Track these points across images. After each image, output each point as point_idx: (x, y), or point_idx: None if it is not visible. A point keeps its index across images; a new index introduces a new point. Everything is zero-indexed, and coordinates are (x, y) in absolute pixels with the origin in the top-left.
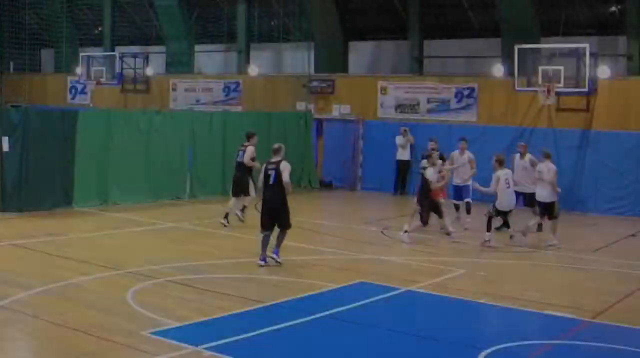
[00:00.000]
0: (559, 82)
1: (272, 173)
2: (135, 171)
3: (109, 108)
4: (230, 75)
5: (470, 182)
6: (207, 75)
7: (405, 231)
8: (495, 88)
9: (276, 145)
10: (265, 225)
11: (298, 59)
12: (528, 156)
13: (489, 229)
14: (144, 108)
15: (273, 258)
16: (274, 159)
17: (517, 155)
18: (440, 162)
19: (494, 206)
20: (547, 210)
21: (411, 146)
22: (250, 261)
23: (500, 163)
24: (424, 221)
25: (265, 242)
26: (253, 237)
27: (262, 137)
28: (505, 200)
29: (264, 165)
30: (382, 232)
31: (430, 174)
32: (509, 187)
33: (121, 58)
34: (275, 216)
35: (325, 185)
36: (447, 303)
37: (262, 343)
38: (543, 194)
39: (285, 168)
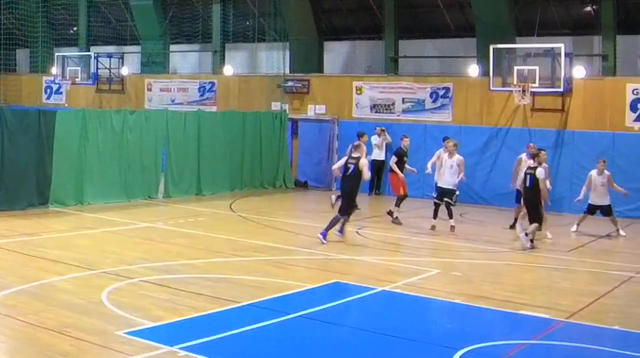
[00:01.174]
0: (534, 82)
1: (351, 166)
2: (110, 171)
3: (85, 108)
4: (205, 75)
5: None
6: (182, 75)
7: (526, 234)
8: (470, 88)
9: (356, 143)
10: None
11: (273, 59)
12: (606, 172)
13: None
14: (119, 108)
15: (337, 235)
16: (354, 154)
17: (595, 172)
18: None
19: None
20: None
21: (387, 146)
22: (225, 261)
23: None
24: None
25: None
26: (229, 237)
27: (237, 137)
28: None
29: (345, 158)
30: (357, 232)
31: (541, 173)
32: None
33: (96, 58)
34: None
35: (301, 185)
36: (422, 303)
37: (237, 343)
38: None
39: (365, 165)
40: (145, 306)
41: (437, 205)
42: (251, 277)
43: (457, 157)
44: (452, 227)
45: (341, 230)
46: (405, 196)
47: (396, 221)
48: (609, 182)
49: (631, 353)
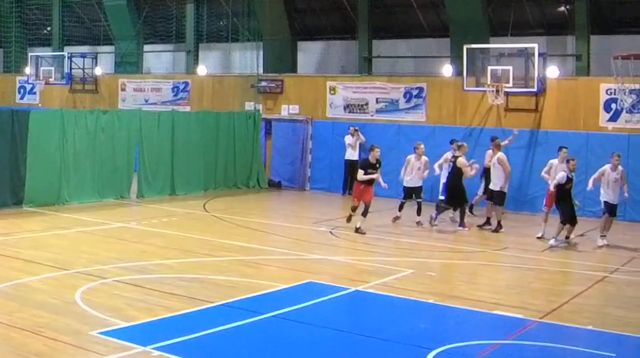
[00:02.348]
0: (508, 82)
1: (452, 164)
2: (84, 171)
3: (59, 108)
4: (179, 75)
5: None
6: (155, 75)
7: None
8: (444, 88)
9: (459, 143)
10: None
11: (247, 59)
12: (620, 168)
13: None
14: (93, 108)
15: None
16: (456, 154)
17: (608, 167)
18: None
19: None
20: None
21: (361, 146)
22: (199, 261)
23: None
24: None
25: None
26: (202, 237)
27: (211, 137)
28: None
29: (449, 154)
30: (330, 232)
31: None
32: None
33: (70, 58)
34: (451, 195)
35: (274, 185)
36: (396, 303)
37: (211, 343)
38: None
39: (462, 164)
40: (119, 306)
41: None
42: (225, 277)
43: (425, 159)
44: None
45: (462, 224)
46: (355, 207)
47: (359, 231)
48: (622, 179)
49: (604, 353)
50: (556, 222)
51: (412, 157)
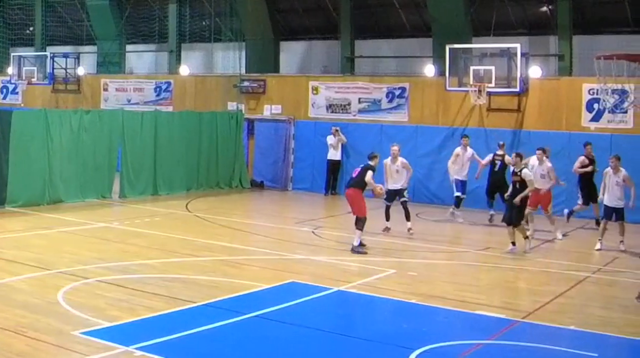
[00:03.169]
0: (490, 82)
1: (498, 163)
2: (67, 171)
3: (41, 108)
4: (161, 75)
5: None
6: (138, 75)
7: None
8: (426, 88)
9: (501, 142)
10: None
11: (229, 59)
12: (623, 171)
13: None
14: (76, 108)
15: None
16: (499, 152)
17: (610, 170)
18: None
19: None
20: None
21: (342, 146)
22: (181, 261)
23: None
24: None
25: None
26: (185, 237)
27: (193, 137)
28: None
29: (492, 155)
30: (313, 232)
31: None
32: None
33: (52, 58)
34: (496, 191)
35: (257, 186)
36: (378, 303)
37: (193, 343)
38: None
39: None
40: (101, 306)
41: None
42: (207, 277)
43: (401, 160)
44: (409, 230)
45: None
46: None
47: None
48: (626, 182)
49: (587, 353)
50: (542, 222)
51: (387, 161)
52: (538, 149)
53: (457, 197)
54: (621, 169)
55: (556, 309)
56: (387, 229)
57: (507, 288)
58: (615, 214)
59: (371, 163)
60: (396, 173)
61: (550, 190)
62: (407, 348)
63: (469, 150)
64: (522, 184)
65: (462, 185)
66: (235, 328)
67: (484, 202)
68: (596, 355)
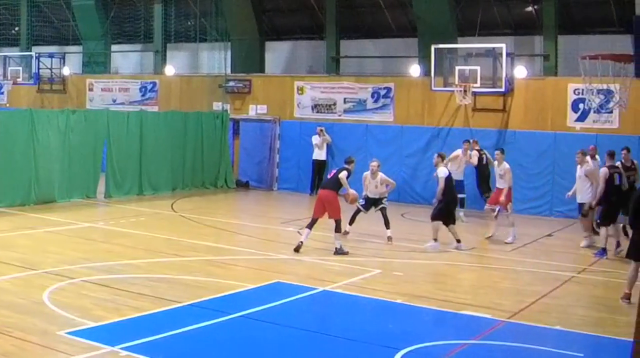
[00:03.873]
0: (476, 82)
1: (617, 176)
2: (52, 171)
3: (26, 108)
4: (146, 75)
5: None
6: (123, 75)
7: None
8: (411, 88)
9: (610, 151)
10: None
11: (214, 59)
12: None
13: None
14: (61, 108)
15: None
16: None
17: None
18: None
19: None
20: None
21: (328, 146)
22: (167, 261)
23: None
24: None
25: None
26: (170, 237)
27: (179, 137)
28: None
29: (607, 169)
30: (298, 232)
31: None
32: None
33: (38, 58)
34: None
35: (242, 185)
36: (364, 304)
37: (179, 343)
38: None
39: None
40: (86, 306)
41: (358, 212)
42: (192, 277)
43: (381, 176)
44: (389, 238)
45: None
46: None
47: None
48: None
49: (572, 353)
50: (526, 223)
51: (367, 175)
52: (497, 150)
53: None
54: (588, 161)
55: (541, 309)
56: (346, 233)
57: (493, 288)
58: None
59: (348, 167)
60: (375, 188)
61: (510, 189)
62: (393, 348)
63: (469, 154)
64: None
65: (459, 185)
66: (221, 328)
67: (468, 202)
68: (582, 355)
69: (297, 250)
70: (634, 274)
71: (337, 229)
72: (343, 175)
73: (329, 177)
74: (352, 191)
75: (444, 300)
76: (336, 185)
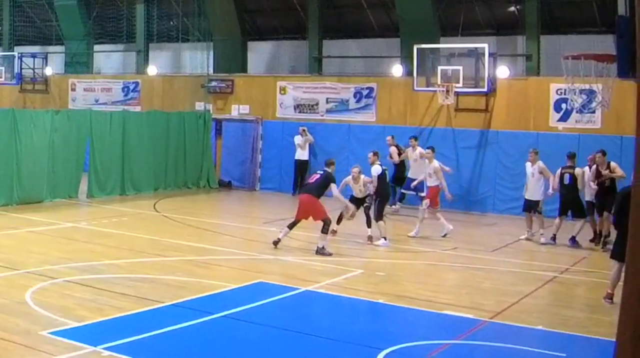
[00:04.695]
0: (458, 82)
1: (567, 176)
2: (35, 171)
3: (9, 108)
4: (129, 75)
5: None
6: (106, 75)
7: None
8: (394, 88)
9: (570, 153)
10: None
11: (197, 59)
12: (539, 163)
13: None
14: (43, 108)
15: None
16: (569, 164)
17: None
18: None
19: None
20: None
21: (310, 146)
22: (149, 261)
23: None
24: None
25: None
26: (153, 237)
27: (161, 137)
28: None
29: (560, 169)
30: (280, 232)
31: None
32: None
33: (20, 58)
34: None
35: (225, 185)
36: (346, 303)
37: (161, 343)
38: None
39: (578, 173)
40: (69, 306)
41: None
42: (175, 277)
43: (363, 179)
44: (370, 237)
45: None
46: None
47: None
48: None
49: (554, 353)
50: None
51: (349, 180)
52: (428, 148)
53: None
54: (539, 161)
55: (524, 309)
56: (334, 232)
57: (475, 288)
58: (531, 206)
59: (329, 170)
60: (359, 191)
61: (439, 187)
62: (375, 348)
63: (418, 150)
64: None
65: (410, 182)
66: (203, 328)
67: (450, 202)
68: (564, 355)
69: (275, 244)
70: (617, 275)
71: (324, 230)
72: (337, 193)
73: (310, 181)
74: (351, 205)
75: (426, 300)
76: (320, 191)
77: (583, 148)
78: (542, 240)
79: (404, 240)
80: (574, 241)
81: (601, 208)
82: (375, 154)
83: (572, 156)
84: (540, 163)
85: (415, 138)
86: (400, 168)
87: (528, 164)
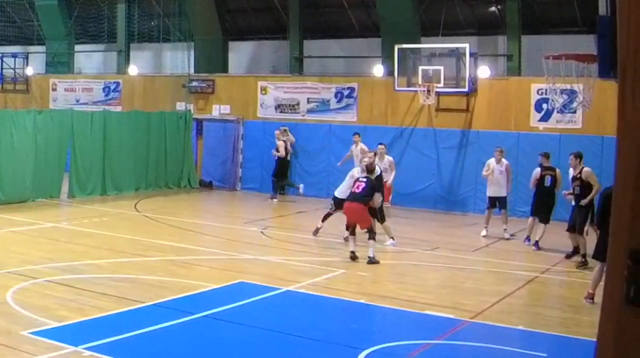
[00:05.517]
0: (439, 82)
1: (548, 178)
2: (17, 171)
3: None
4: (110, 75)
5: None
6: (87, 75)
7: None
8: (375, 88)
9: (545, 153)
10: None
11: (178, 59)
12: (504, 161)
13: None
14: (24, 108)
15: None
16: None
17: (494, 160)
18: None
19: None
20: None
21: (292, 146)
22: (130, 261)
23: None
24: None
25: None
26: (134, 237)
27: (142, 137)
28: None
29: (540, 170)
30: (262, 232)
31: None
32: None
33: (1, 58)
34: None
35: (205, 186)
36: (327, 304)
37: (142, 343)
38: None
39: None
40: (50, 306)
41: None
42: (156, 277)
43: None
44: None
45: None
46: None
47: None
48: (507, 172)
49: (535, 353)
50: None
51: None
52: (380, 144)
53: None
54: (503, 159)
55: (505, 309)
56: (317, 230)
57: (456, 288)
58: (498, 203)
59: (372, 177)
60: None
61: (391, 182)
62: (356, 348)
63: (360, 146)
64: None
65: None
66: (184, 328)
67: (431, 202)
68: (545, 355)
69: (353, 258)
70: (599, 275)
71: (371, 236)
72: (379, 200)
73: (357, 191)
74: (378, 194)
75: (408, 300)
76: (366, 199)
77: (564, 148)
78: (506, 235)
79: (385, 240)
80: (537, 245)
81: (572, 224)
82: (375, 154)
83: (547, 155)
84: (505, 161)
85: (358, 134)
86: (285, 163)
87: (492, 161)
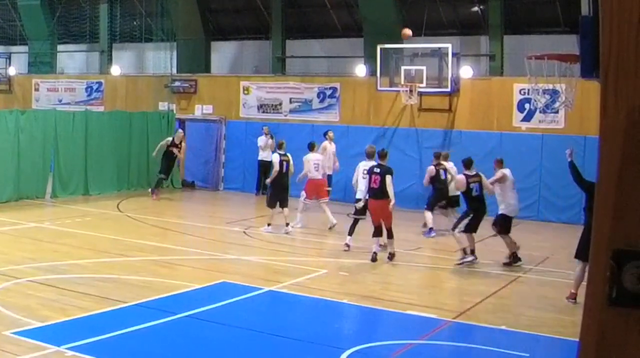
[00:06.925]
0: (422, 82)
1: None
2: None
3: None
4: (92, 76)
5: None
6: (69, 75)
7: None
8: (357, 88)
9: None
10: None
11: (160, 59)
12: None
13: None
14: (7, 108)
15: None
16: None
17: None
18: None
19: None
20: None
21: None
22: (113, 261)
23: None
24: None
25: None
26: (116, 237)
27: (124, 137)
28: None
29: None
30: (244, 232)
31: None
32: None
33: None
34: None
35: (188, 186)
36: (309, 304)
37: (125, 343)
38: None
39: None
40: (32, 306)
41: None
42: (138, 277)
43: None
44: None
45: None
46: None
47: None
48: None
49: (518, 353)
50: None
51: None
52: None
53: None
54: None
55: (487, 309)
56: (348, 247)
57: (438, 288)
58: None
59: (383, 163)
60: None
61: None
62: (338, 348)
63: (333, 145)
64: None
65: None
66: (167, 328)
67: (413, 202)
68: (527, 355)
69: (373, 260)
70: (581, 274)
71: (390, 235)
72: (390, 181)
73: (374, 186)
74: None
75: (390, 300)
76: (386, 191)
77: (546, 148)
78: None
79: (368, 240)
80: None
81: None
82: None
83: (442, 155)
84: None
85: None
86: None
87: (451, 164)
